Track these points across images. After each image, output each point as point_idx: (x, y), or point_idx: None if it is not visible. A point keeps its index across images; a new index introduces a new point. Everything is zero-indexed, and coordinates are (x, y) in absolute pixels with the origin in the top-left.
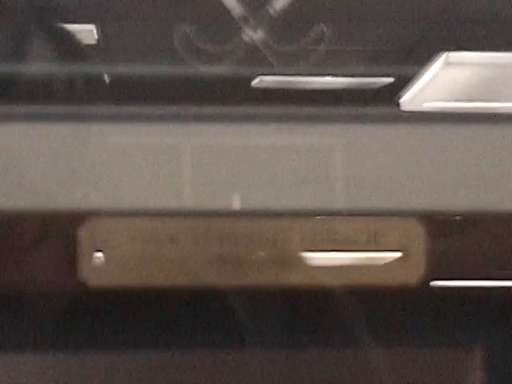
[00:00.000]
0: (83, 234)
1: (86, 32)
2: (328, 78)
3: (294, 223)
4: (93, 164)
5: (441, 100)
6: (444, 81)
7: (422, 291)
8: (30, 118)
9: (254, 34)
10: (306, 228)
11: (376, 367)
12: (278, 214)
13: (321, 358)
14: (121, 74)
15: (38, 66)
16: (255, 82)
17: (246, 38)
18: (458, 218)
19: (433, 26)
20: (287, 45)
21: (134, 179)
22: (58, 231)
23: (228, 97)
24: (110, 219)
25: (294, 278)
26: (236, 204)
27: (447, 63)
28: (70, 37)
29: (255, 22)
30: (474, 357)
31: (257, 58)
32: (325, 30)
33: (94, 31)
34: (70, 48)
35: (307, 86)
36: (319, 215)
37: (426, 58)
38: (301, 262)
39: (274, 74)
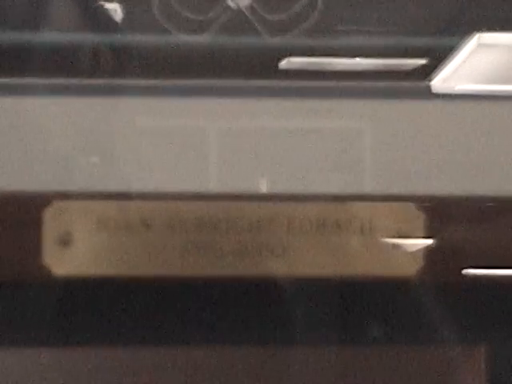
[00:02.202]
0: (48, 217)
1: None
2: (358, 60)
3: (279, 208)
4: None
5: (473, 82)
6: (476, 63)
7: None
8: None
9: (240, 0)
10: (292, 213)
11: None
12: (264, 198)
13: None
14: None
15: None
16: (283, 63)
17: (231, 4)
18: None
19: (466, 5)
20: (276, 12)
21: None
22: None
23: (255, 76)
24: (77, 202)
25: (277, 268)
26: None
27: (479, 44)
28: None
29: None
30: (478, 354)
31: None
32: None
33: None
34: (95, 16)
35: (336, 68)
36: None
37: (458, 39)
38: (286, 250)
39: (303, 55)
